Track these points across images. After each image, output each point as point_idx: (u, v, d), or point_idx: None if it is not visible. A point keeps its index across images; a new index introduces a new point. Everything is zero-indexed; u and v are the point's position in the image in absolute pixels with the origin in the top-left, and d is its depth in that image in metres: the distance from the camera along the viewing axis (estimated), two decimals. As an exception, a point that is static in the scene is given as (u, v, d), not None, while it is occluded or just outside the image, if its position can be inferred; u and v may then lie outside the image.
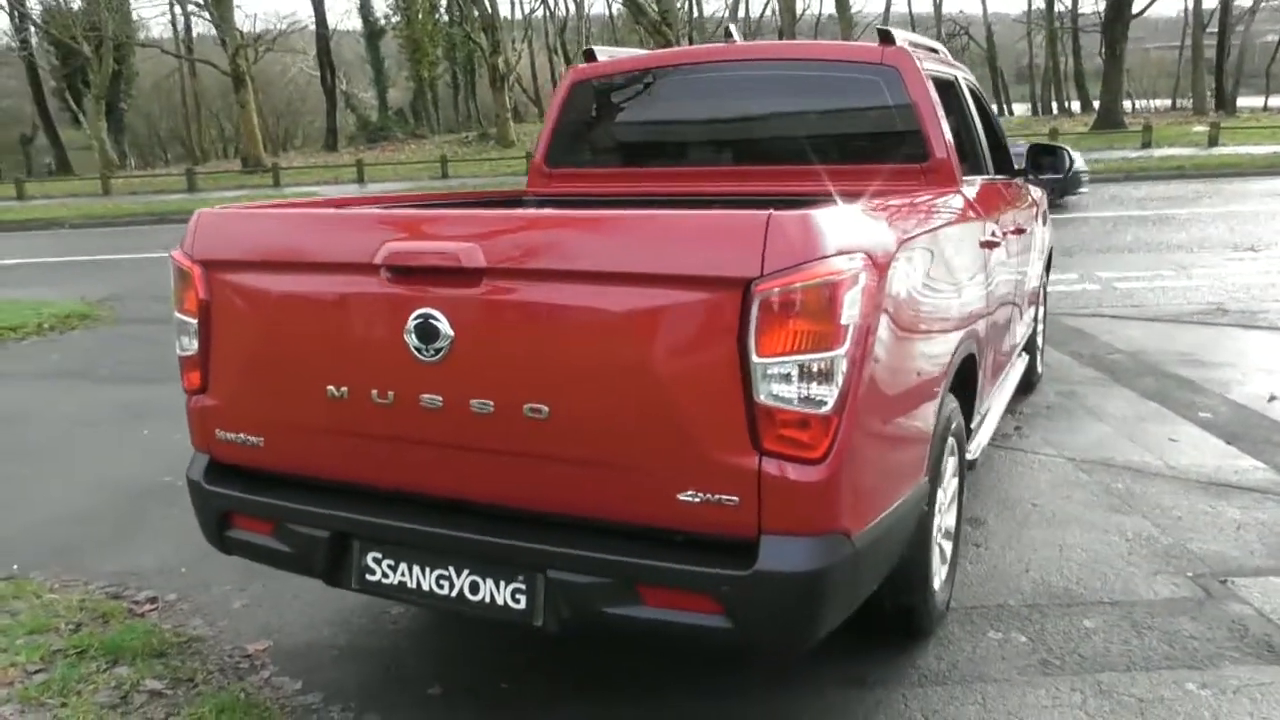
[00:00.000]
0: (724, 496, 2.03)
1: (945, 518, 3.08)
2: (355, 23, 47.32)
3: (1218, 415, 5.16)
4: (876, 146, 3.52)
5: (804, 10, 48.45)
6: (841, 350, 1.98)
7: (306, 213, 2.53)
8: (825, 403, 1.98)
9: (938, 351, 2.62)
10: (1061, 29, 40.24)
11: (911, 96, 3.35)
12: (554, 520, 2.21)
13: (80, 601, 3.39)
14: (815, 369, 1.96)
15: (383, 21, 45.46)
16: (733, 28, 4.11)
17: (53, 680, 2.82)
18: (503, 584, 2.25)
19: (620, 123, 3.97)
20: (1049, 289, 6.34)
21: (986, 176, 4.14)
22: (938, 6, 40.93)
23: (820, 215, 1.99)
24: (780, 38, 39.23)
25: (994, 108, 5.33)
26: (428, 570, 2.33)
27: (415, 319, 2.20)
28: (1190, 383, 5.77)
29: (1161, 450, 4.66)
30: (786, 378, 1.96)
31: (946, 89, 4.05)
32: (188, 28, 42.99)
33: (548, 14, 52.68)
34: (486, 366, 2.18)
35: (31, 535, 4.04)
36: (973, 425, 3.41)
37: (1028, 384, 5.63)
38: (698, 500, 2.05)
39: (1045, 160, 4.97)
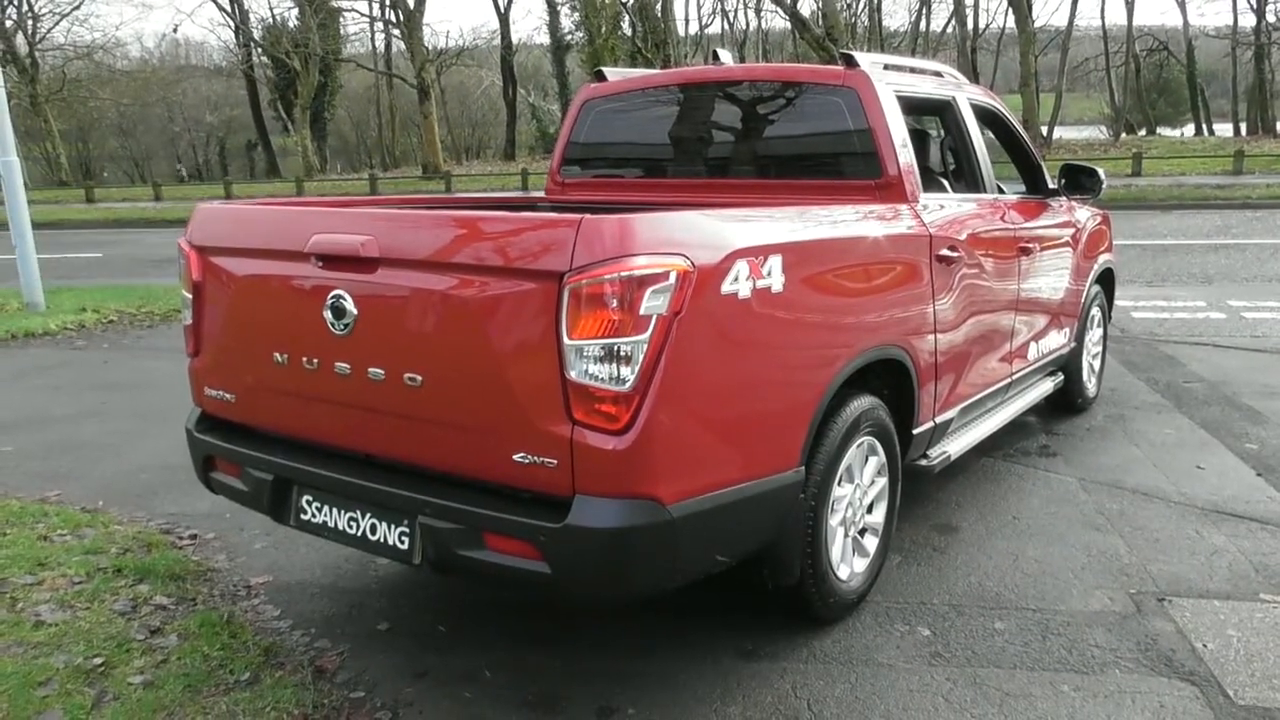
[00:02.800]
0: (546, 459, 2.37)
1: (860, 513, 3.27)
2: (544, 38, 49.44)
3: (1264, 447, 4.98)
4: (836, 164, 3.73)
5: (986, 25, 47.01)
6: (642, 337, 2.28)
7: (264, 209, 3.03)
8: (626, 381, 2.28)
9: (811, 349, 2.84)
10: (1269, 43, 37.25)
11: (868, 117, 3.55)
12: (430, 474, 2.61)
13: (137, 533, 4.05)
14: (617, 352, 2.27)
15: (568, 38, 47.41)
16: (721, 51, 4.38)
17: (86, 589, 3.44)
18: (393, 527, 2.66)
19: (620, 137, 4.34)
20: (1137, 314, 6.20)
21: (986, 195, 4.25)
22: (1130, 19, 38.67)
23: (630, 220, 2.31)
24: (958, 54, 38.27)
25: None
26: (343, 513, 2.78)
27: (331, 298, 2.65)
28: (1256, 414, 5.55)
29: (1181, 477, 4.58)
30: (592, 358, 2.28)
31: (932, 109, 4.20)
32: (387, 44, 46.34)
33: (726, 27, 53.29)
34: (379, 340, 2.60)
35: (124, 479, 4.79)
36: (915, 430, 3.57)
37: (1072, 405, 5.58)
38: (528, 461, 2.39)
39: (1083, 179, 4.98)
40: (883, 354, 3.22)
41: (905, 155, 3.57)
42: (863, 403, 3.14)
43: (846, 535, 3.23)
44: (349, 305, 2.62)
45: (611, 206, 3.87)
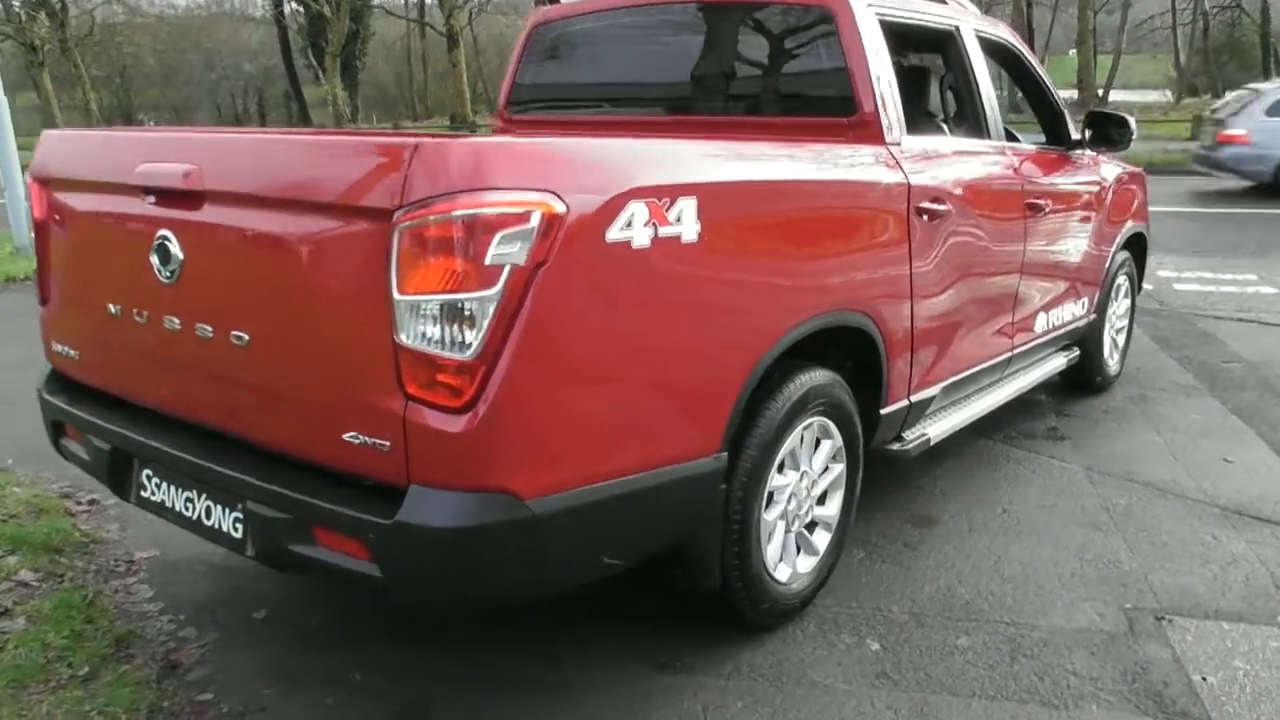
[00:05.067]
0: (379, 440, 1.94)
1: (807, 505, 2.81)
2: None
3: (1304, 438, 4.42)
4: (808, 98, 3.23)
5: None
6: (490, 293, 1.83)
7: (97, 135, 2.62)
8: (468, 348, 1.84)
9: (736, 313, 2.36)
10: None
11: (843, 43, 3.04)
12: (267, 453, 2.20)
13: (33, 496, 3.71)
14: (458, 311, 1.83)
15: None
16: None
17: (-53, 559, 3.11)
18: (227, 511, 2.26)
19: (572, 68, 3.85)
20: (1180, 286, 5.62)
21: (990, 143, 3.72)
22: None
23: (484, 145, 1.85)
24: (1012, 8, 36.66)
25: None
26: (180, 492, 2.38)
27: (157, 240, 2.24)
28: (1299, 400, 4.98)
29: (1203, 470, 4.05)
30: (426, 318, 1.84)
31: (930, 41, 3.67)
32: (418, -11, 45.49)
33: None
34: (206, 291, 2.19)
35: (39, 436, 4.45)
36: (884, 410, 3.09)
37: (1090, 383, 5.03)
38: (358, 442, 1.97)
39: (1111, 130, 4.40)
40: (839, 320, 2.74)
41: (885, 90, 3.06)
42: (812, 377, 2.68)
43: (789, 531, 2.78)
44: (174, 248, 2.20)
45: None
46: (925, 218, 3.09)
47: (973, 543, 3.39)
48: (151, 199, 2.26)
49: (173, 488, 2.39)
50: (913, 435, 3.37)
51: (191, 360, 2.25)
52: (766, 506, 2.66)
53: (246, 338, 2.11)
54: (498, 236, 1.82)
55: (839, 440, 2.89)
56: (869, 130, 3.02)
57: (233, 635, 2.81)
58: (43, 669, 2.57)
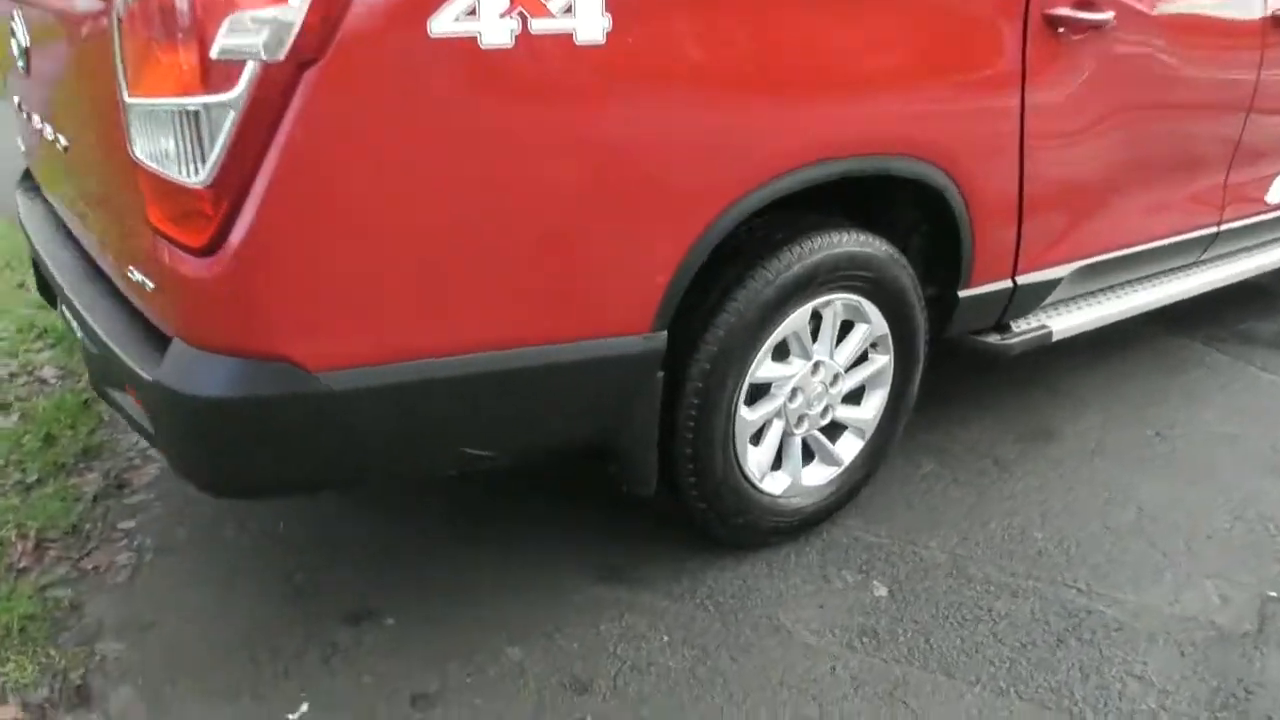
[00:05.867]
0: (147, 280, 1.57)
1: (823, 405, 2.20)
2: None
3: None
4: None
5: None
6: (225, 98, 1.34)
7: None
8: (199, 170, 1.39)
9: (667, 152, 1.72)
10: None
11: None
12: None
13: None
14: (188, 121, 1.37)
15: None
16: None
17: (-11, 346, 3.18)
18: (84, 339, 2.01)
19: None
20: None
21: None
22: None
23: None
24: None
25: None
26: (66, 310, 2.14)
27: (11, 22, 1.93)
28: None
29: None
30: (157, 128, 1.40)
31: None
32: None
33: None
34: (42, 85, 1.87)
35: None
36: (966, 292, 2.35)
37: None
38: (136, 279, 1.61)
39: None
40: (876, 167, 2.02)
41: None
42: (829, 242, 2.02)
43: (792, 433, 2.19)
44: (21, 31, 1.89)
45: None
46: (1061, 32, 2.21)
47: (1089, 471, 2.62)
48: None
49: (64, 307, 2.18)
50: (1023, 327, 2.59)
51: (54, 164, 1.97)
52: (752, 402, 2.09)
53: (65, 142, 1.79)
54: (229, 20, 1.32)
55: (880, 326, 2.22)
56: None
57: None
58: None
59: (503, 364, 1.67)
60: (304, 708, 1.81)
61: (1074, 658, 1.96)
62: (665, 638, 2.00)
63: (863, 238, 2.08)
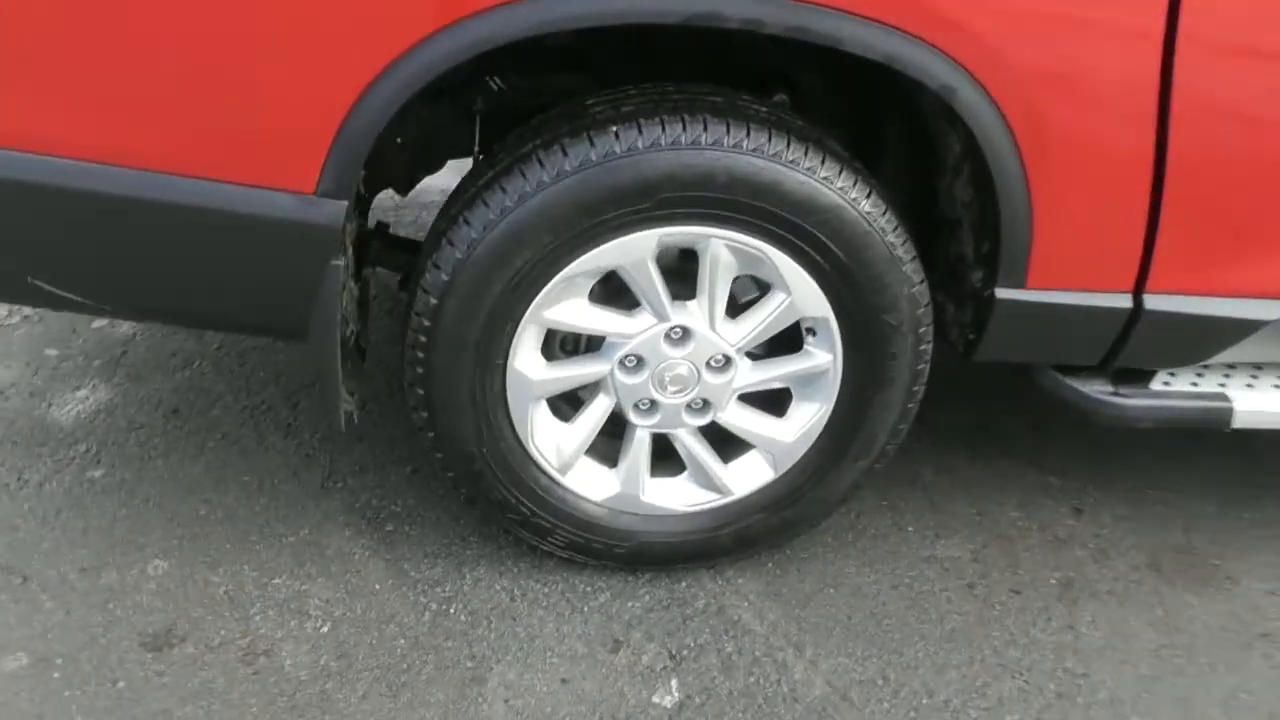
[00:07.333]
0: None
1: (693, 393, 1.43)
2: None
3: None
4: None
5: None
6: None
7: None
8: None
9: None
10: None
11: None
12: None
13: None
14: None
15: None
16: None
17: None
18: None
19: None
20: None
21: None
22: None
23: None
24: None
25: None
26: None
27: None
28: None
29: None
30: None
31: None
32: None
33: None
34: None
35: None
36: (1006, 289, 1.38)
37: None
38: None
39: None
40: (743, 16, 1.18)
41: None
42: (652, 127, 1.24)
43: (632, 421, 1.45)
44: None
45: None
46: None
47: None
48: None
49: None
50: (1173, 387, 1.51)
51: None
52: (555, 357, 1.40)
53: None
54: None
55: (812, 302, 1.36)
56: None
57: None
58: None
59: (56, 177, 1.19)
60: None
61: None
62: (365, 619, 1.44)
63: (751, 140, 1.25)
